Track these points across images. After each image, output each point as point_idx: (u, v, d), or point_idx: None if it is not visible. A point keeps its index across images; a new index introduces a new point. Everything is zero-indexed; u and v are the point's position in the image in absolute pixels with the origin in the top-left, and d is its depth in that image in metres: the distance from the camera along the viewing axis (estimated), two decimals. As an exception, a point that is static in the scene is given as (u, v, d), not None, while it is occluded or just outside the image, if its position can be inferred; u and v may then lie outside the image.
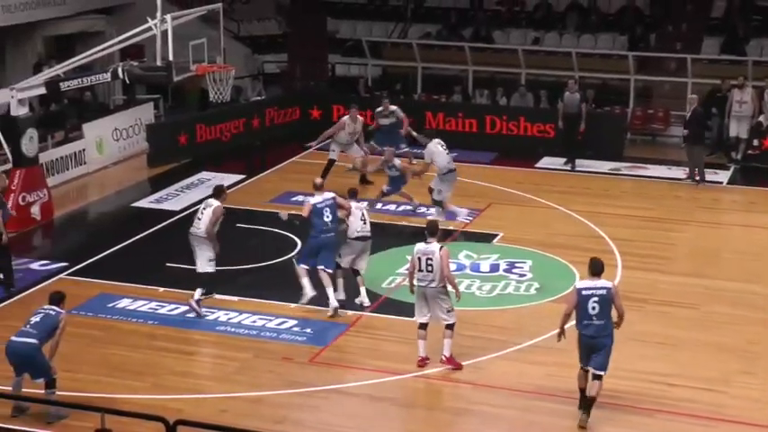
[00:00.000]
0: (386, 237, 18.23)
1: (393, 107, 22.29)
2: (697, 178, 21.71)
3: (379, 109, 22.20)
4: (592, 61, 26.40)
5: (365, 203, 15.86)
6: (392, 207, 19.84)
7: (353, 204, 15.32)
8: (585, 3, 28.47)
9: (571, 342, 14.08)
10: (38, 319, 11.90)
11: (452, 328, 13.24)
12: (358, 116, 20.79)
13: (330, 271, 14.98)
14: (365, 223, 15.24)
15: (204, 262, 14.93)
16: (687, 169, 21.99)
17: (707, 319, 15.00)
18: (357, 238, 15.20)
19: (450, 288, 13.19)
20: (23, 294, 15.68)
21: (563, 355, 13.70)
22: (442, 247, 13.10)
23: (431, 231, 13.27)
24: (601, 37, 27.45)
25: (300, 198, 19.59)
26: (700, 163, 21.84)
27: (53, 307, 12.06)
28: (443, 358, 13.34)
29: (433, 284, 13.06)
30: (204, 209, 14.98)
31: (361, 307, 15.22)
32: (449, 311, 13.19)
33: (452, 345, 13.27)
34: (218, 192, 15.33)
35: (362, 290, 15.37)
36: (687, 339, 14.27)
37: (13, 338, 11.90)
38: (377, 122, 22.18)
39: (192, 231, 15.02)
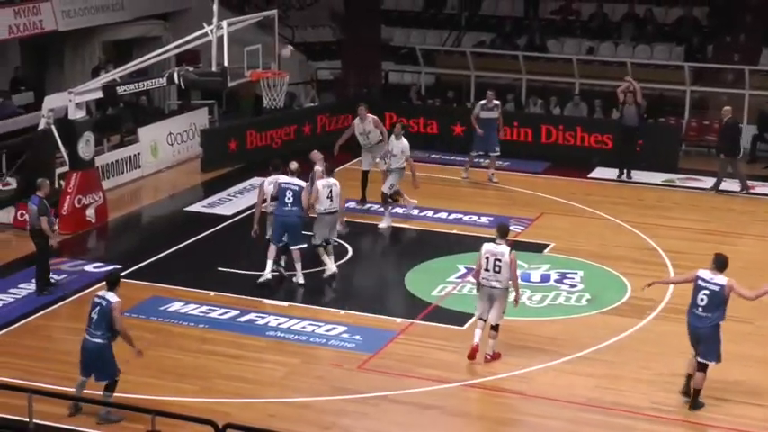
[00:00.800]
0: (435, 245, 18.24)
1: (497, 101, 21.92)
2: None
3: (483, 102, 21.82)
4: (647, 72, 26.14)
5: (334, 181, 16.64)
6: (443, 215, 19.82)
7: (321, 183, 16.46)
8: (642, 13, 28.23)
9: (620, 354, 14.03)
10: (96, 316, 11.95)
11: (498, 330, 13.56)
12: (368, 115, 19.99)
13: (298, 248, 16.05)
14: (331, 201, 16.39)
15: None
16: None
17: (760, 334, 14.80)
18: (324, 213, 16.38)
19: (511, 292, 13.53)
20: (77, 296, 15.89)
21: (612, 367, 13.66)
22: (511, 251, 13.39)
23: (501, 233, 13.61)
24: (657, 47, 27.21)
25: (352, 204, 19.75)
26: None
27: (105, 295, 12.02)
28: (488, 357, 13.62)
29: (499, 285, 13.40)
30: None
31: (330, 277, 16.42)
32: (502, 313, 13.54)
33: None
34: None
35: (328, 259, 16.54)
36: (740, 354, 14.06)
37: (86, 336, 12.05)
38: (477, 115, 21.71)
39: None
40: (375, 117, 20.33)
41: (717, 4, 27.87)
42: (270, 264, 16.08)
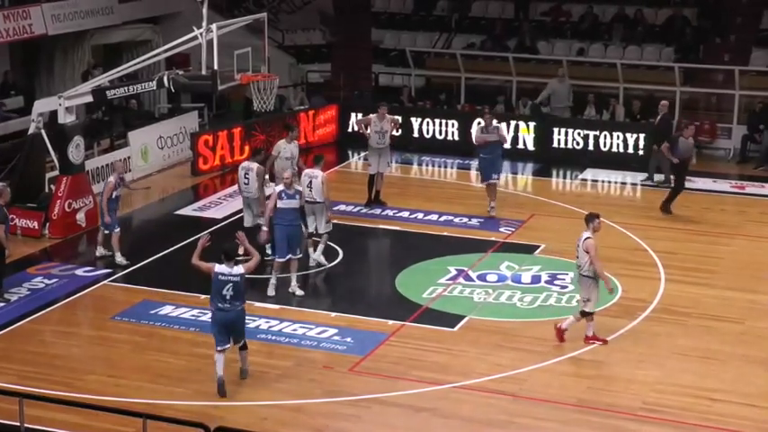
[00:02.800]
0: (425, 247, 18.23)
1: (496, 122, 20.05)
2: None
3: (480, 123, 20.09)
4: (637, 73, 26.23)
5: (321, 173, 16.91)
6: (434, 217, 19.82)
7: (306, 171, 17.06)
8: (632, 14, 28.27)
9: (611, 355, 14.05)
10: (232, 292, 12.67)
11: (585, 315, 14.24)
12: (386, 116, 19.94)
13: (280, 259, 15.97)
14: (311, 191, 16.69)
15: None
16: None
17: (752, 334, 14.82)
18: (306, 202, 16.66)
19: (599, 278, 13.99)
20: (69, 300, 15.90)
21: (604, 367, 13.68)
22: (587, 238, 13.90)
23: (586, 220, 14.26)
24: (647, 48, 27.26)
25: (342, 207, 19.74)
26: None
27: (233, 271, 12.70)
28: (587, 338, 14.29)
29: (579, 270, 14.11)
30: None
31: (317, 266, 17.10)
32: (586, 301, 14.14)
33: (594, 326, 14.31)
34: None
35: (318, 250, 17.14)
36: (731, 354, 14.11)
37: (226, 309, 12.75)
38: (476, 140, 19.87)
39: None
40: (394, 118, 20.28)
41: (706, 5, 27.93)
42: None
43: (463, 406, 12.82)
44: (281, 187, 15.94)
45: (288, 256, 15.85)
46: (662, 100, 22.83)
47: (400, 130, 19.89)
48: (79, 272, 16.99)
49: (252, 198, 17.22)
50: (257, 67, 18.39)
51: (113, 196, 17.31)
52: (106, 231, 17.52)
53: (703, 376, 13.43)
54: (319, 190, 16.70)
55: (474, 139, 20.21)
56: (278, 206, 15.71)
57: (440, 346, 14.32)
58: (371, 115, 20.18)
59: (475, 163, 23.21)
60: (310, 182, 16.75)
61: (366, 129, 19.93)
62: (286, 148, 18.31)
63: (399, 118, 20.22)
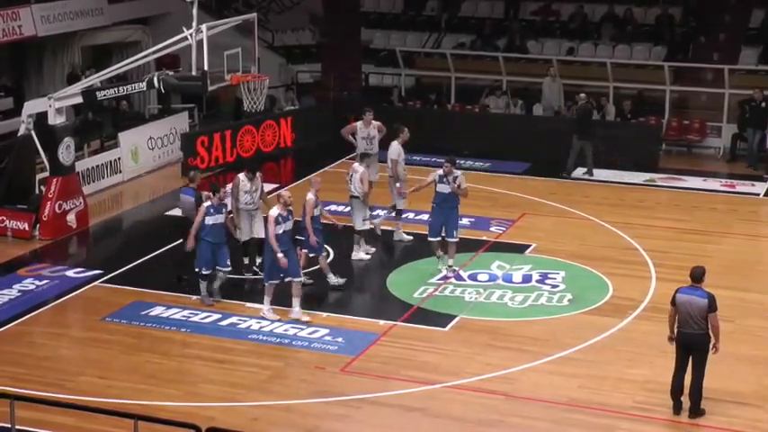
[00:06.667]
0: (416, 247, 18.22)
1: (457, 171, 17.03)
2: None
3: (440, 172, 16.94)
4: (627, 72, 26.28)
5: (361, 168, 17.43)
6: (424, 217, 19.78)
7: (354, 166, 17.44)
8: (621, 13, 28.32)
9: (602, 354, 14.07)
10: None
11: None
12: (372, 122, 19.49)
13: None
14: (350, 184, 17.32)
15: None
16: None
17: (742, 332, 14.84)
18: (351, 196, 17.43)
19: None
20: (59, 301, 15.87)
21: (595, 366, 13.70)
22: None
23: None
24: (636, 47, 27.31)
25: (333, 207, 19.72)
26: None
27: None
28: None
29: None
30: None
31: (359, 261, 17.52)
32: None
33: None
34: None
35: (354, 249, 17.56)
36: (721, 352, 14.04)
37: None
38: (436, 188, 17.01)
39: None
40: (379, 123, 20.08)
41: (690, 4, 27.99)
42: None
43: (454, 405, 12.83)
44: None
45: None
46: (581, 93, 23.38)
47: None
48: (70, 273, 16.96)
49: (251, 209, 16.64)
50: (247, 68, 18.39)
51: (315, 214, 15.83)
52: (311, 254, 16.08)
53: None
54: (357, 184, 17.13)
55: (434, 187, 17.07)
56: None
57: (431, 345, 14.33)
58: (357, 123, 19.96)
59: (467, 163, 23.24)
60: (351, 175, 17.25)
61: (353, 137, 19.64)
62: (401, 150, 18.06)
63: (380, 123, 19.94)
